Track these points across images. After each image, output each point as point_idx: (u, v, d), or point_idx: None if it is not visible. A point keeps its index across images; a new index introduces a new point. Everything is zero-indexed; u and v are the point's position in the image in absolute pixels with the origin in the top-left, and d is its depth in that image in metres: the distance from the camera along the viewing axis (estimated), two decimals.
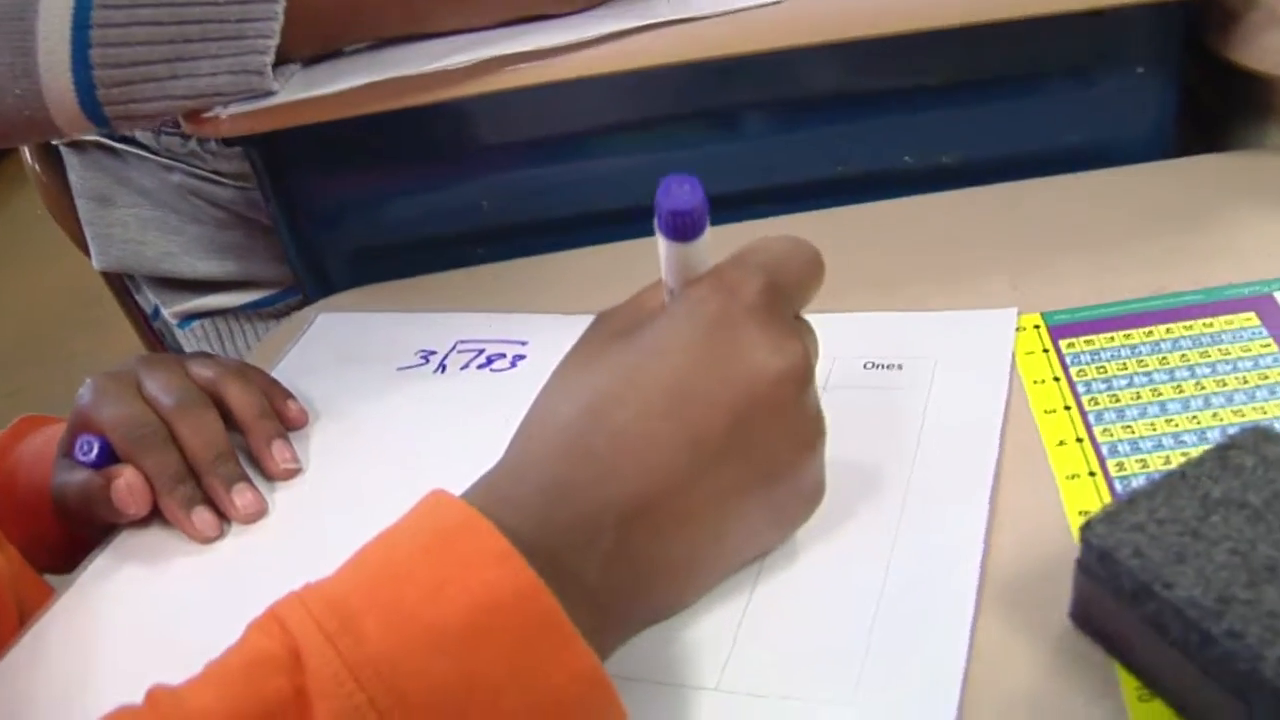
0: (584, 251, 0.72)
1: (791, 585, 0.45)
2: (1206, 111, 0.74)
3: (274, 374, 0.64)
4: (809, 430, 0.43)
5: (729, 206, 0.72)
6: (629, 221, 0.72)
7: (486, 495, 0.40)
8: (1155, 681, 0.38)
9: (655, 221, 0.41)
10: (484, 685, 0.34)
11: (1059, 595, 0.42)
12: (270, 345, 0.71)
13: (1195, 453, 0.40)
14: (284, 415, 0.61)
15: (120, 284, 1.06)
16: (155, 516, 0.56)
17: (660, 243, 0.42)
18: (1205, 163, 0.69)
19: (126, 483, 0.55)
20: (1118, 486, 0.47)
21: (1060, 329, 0.56)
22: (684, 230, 0.41)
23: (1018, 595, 0.43)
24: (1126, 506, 0.38)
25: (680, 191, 0.40)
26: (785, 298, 0.43)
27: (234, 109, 0.63)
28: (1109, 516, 0.38)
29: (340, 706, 0.33)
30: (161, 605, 0.52)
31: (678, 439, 0.40)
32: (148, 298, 1.03)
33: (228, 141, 0.80)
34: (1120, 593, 0.37)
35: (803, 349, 0.42)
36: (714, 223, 0.71)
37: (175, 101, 0.63)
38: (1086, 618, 0.41)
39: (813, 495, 0.45)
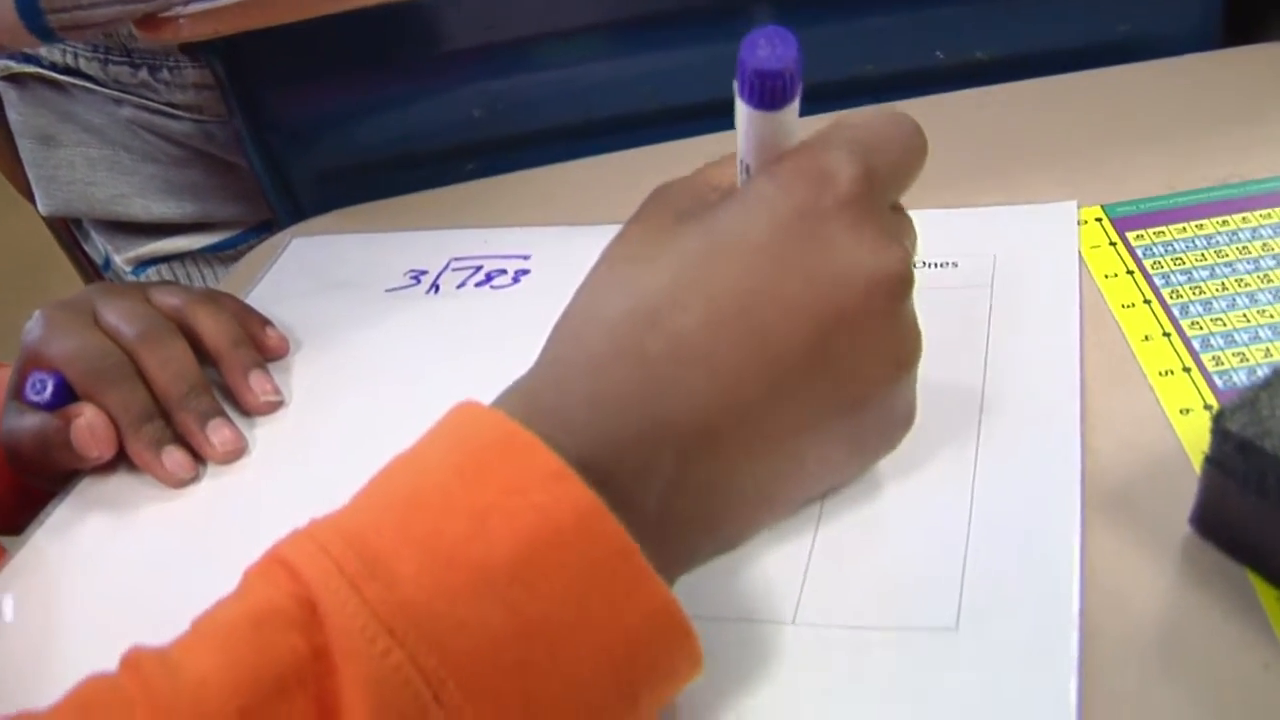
0: (587, 162, 0.66)
1: (863, 507, 0.40)
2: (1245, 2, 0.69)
3: (247, 302, 0.57)
4: (905, 347, 0.37)
5: None
6: (635, 128, 0.67)
7: (526, 406, 0.33)
8: None
9: (735, 84, 0.35)
10: (544, 632, 0.28)
11: (1173, 501, 0.37)
12: (241, 274, 0.65)
13: None
14: (262, 343, 0.54)
15: (67, 232, 0.98)
16: (120, 461, 0.50)
17: (740, 110, 0.35)
18: (1259, 52, 0.64)
19: (88, 421, 0.48)
20: (1218, 381, 0.41)
21: (1124, 221, 0.51)
22: (771, 96, 0.34)
23: (1125, 504, 0.38)
24: (1264, 392, 0.33)
25: (769, 47, 0.33)
26: (884, 186, 0.36)
27: (194, 8, 0.57)
28: (1246, 404, 0.33)
29: (373, 670, 0.26)
30: (131, 560, 0.46)
31: (750, 354, 0.33)
32: (97, 246, 0.96)
33: (184, 49, 0.73)
34: (1265, 488, 0.32)
35: (903, 251, 0.35)
36: (729, 126, 0.66)
37: (128, 5, 0.56)
38: (1214, 522, 0.35)
39: (903, 422, 0.39)
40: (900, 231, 0.37)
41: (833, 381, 0.35)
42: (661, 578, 0.30)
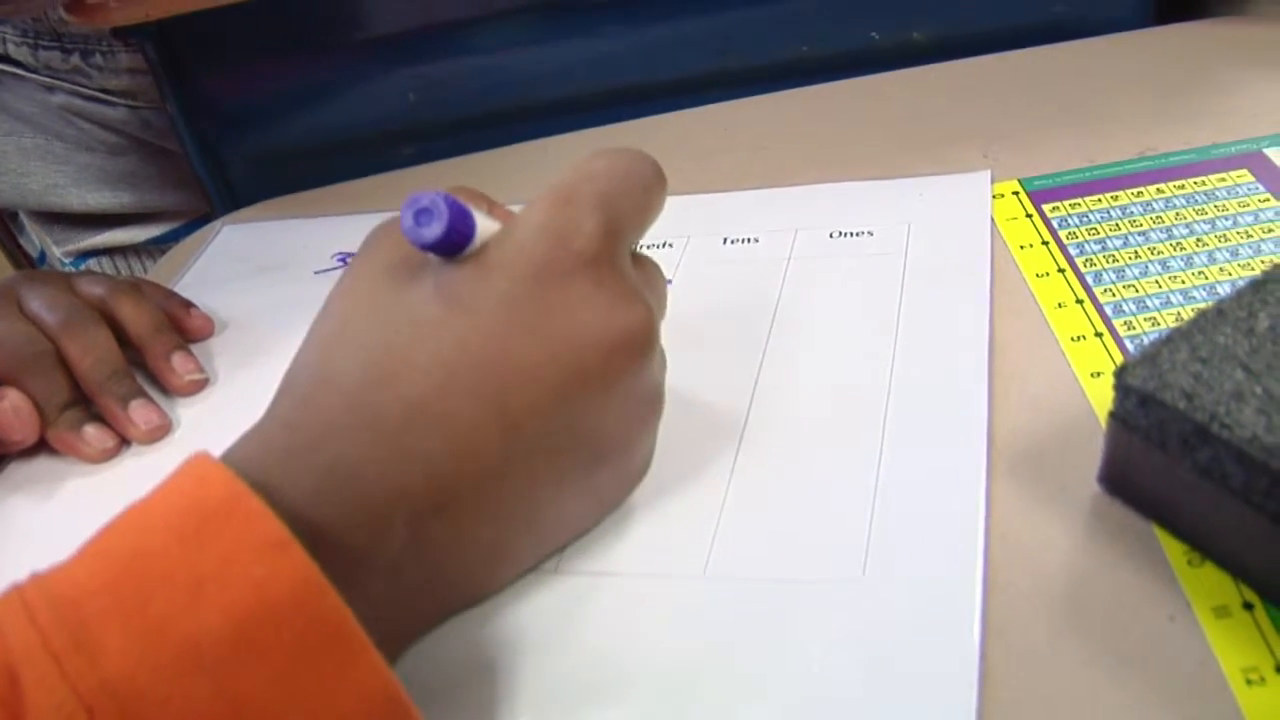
0: (524, 146, 0.67)
1: (774, 464, 0.40)
2: None
3: (176, 290, 0.58)
4: (645, 406, 0.37)
5: (685, 91, 0.67)
6: (571, 111, 0.67)
7: (262, 461, 0.32)
8: (1207, 543, 0.34)
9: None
10: (252, 710, 0.27)
11: (1082, 461, 0.38)
12: (171, 262, 0.65)
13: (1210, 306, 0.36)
14: (185, 326, 0.55)
15: (0, 224, 0.97)
16: (41, 449, 0.50)
17: None
18: (1184, 30, 0.65)
19: (11, 404, 0.48)
20: (1129, 345, 0.42)
21: (1041, 194, 0.52)
22: (452, 250, 0.34)
23: (1035, 465, 0.38)
24: (1165, 346, 0.34)
25: (419, 231, 0.33)
26: (625, 236, 0.36)
27: None
28: (1147, 358, 0.34)
29: None
30: (58, 543, 0.45)
31: (487, 422, 0.33)
32: (32, 239, 0.95)
33: (117, 34, 0.73)
34: (1166, 443, 0.33)
35: (645, 308, 0.35)
36: (669, 107, 0.67)
37: None
38: (1120, 480, 0.36)
39: (638, 475, 0.39)
40: (644, 283, 0.36)
41: (571, 443, 0.35)
42: (392, 647, 0.29)
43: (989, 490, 0.37)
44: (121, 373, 0.50)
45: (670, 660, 0.34)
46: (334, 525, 0.30)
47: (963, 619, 0.33)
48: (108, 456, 0.49)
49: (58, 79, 0.81)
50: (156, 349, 0.52)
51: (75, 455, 0.49)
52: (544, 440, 0.34)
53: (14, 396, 0.48)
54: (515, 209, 0.37)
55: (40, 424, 0.49)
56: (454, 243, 0.34)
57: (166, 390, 0.52)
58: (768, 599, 0.35)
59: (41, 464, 0.50)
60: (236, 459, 0.32)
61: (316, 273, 0.58)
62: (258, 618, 0.27)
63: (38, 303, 0.51)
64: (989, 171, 0.54)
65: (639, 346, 0.35)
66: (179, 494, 0.29)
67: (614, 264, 0.35)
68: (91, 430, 0.49)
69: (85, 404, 0.50)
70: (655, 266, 0.39)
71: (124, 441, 0.49)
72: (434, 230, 0.33)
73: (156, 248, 0.88)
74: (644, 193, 0.37)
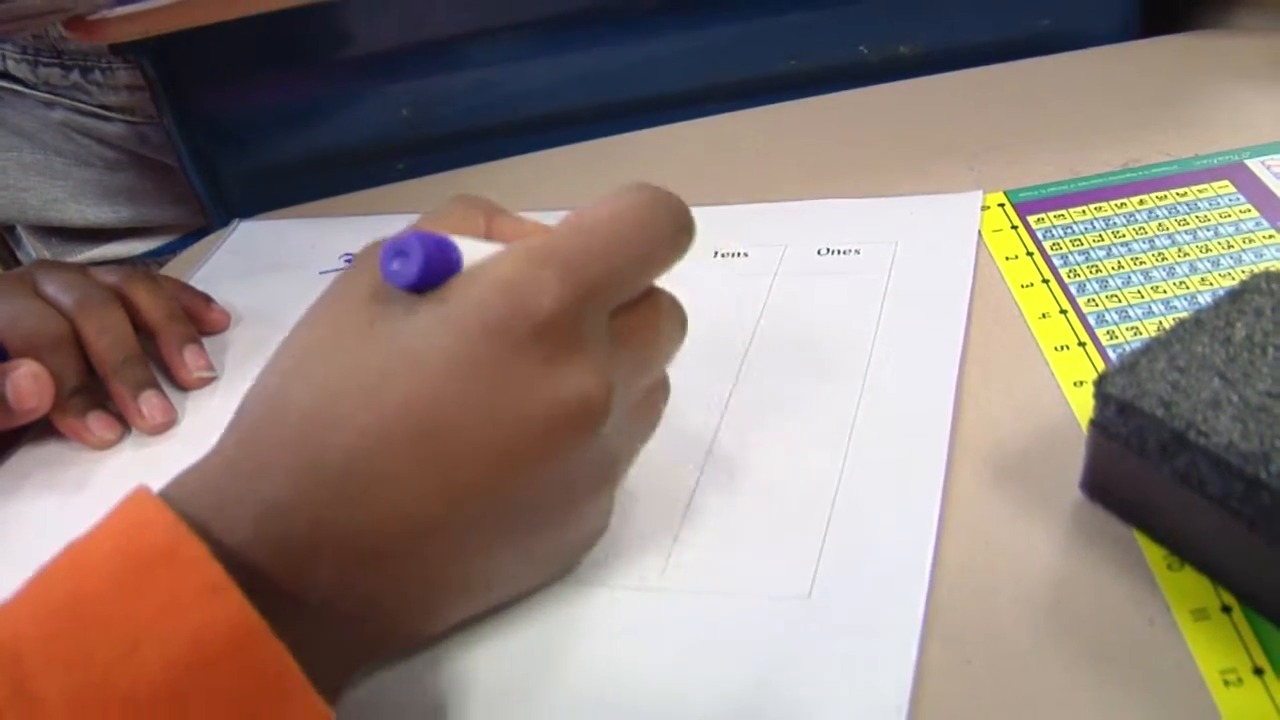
0: (516, 160, 0.68)
1: (738, 478, 0.41)
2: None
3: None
4: (592, 479, 0.35)
5: (676, 105, 0.68)
6: (564, 126, 0.68)
7: (201, 501, 0.31)
8: (1186, 547, 0.35)
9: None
10: None
11: (1065, 468, 0.38)
12: (186, 258, 0.66)
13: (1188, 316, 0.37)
14: (203, 318, 0.56)
15: None
16: (49, 435, 0.51)
17: None
18: (1168, 43, 0.66)
19: (31, 371, 0.48)
20: (1111, 354, 0.43)
21: (1026, 205, 0.53)
22: (434, 282, 0.33)
23: (1020, 473, 0.39)
24: (1144, 355, 0.35)
25: (397, 269, 0.32)
26: (596, 303, 0.33)
27: (122, 9, 0.58)
28: (1126, 367, 0.35)
29: None
30: (54, 531, 0.45)
31: (423, 487, 0.31)
32: (30, 252, 0.95)
33: (114, 50, 0.73)
34: (1145, 450, 0.34)
35: (597, 382, 0.33)
36: (659, 121, 0.68)
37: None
38: (1101, 486, 0.37)
39: (587, 542, 0.38)
40: (625, 337, 0.35)
41: (509, 514, 0.33)
42: (328, 686, 0.29)
43: (943, 511, 0.38)
44: (136, 358, 0.51)
45: (614, 669, 0.35)
46: (267, 563, 0.30)
47: (903, 641, 0.34)
48: (107, 446, 0.50)
49: (57, 95, 0.82)
50: (170, 338, 0.53)
51: (77, 440, 0.50)
52: (479, 511, 0.33)
53: (33, 364, 0.48)
54: (535, 215, 0.37)
55: (53, 394, 0.49)
56: (435, 283, 0.33)
57: (175, 382, 0.53)
58: (716, 612, 0.36)
59: (52, 448, 0.51)
60: (176, 497, 0.31)
61: (322, 273, 0.59)
62: (196, 666, 0.27)
63: (54, 286, 0.52)
64: (980, 192, 0.54)
65: (587, 423, 0.33)
66: (119, 535, 0.29)
67: (573, 334, 0.33)
68: (95, 418, 0.50)
69: (94, 391, 0.50)
70: (651, 314, 0.36)
71: (125, 429, 0.50)
72: (408, 273, 0.32)
73: (154, 261, 0.89)
74: (647, 248, 0.34)
